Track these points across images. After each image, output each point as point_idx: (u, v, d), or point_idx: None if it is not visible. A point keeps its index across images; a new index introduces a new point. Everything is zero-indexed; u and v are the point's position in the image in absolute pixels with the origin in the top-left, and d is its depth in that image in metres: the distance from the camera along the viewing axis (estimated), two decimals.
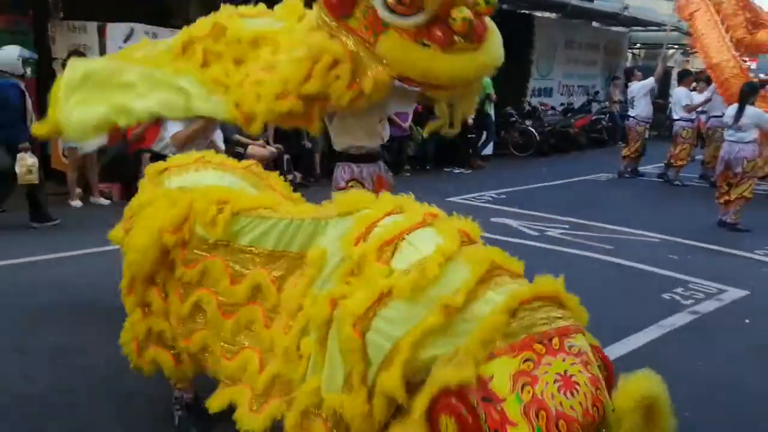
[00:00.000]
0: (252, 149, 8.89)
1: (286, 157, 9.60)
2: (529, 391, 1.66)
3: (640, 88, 11.14)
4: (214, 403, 2.55)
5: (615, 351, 4.03)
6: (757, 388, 3.78)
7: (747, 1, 10.64)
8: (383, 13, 2.67)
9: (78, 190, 7.99)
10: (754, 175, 7.88)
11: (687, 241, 7.15)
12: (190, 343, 2.71)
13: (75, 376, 3.57)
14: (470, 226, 2.14)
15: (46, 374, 3.59)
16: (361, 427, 1.95)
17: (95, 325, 4.17)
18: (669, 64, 11.56)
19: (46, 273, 5.32)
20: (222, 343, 2.60)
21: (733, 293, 5.43)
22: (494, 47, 2.84)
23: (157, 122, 4.56)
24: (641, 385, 1.69)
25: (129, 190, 8.25)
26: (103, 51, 8.56)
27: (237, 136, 8.94)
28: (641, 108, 11.08)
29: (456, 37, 2.68)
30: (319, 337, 2.09)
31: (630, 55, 21.69)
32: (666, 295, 5.29)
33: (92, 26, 8.56)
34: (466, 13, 2.62)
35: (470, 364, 1.71)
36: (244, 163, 3.11)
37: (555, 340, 1.75)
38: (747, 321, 4.83)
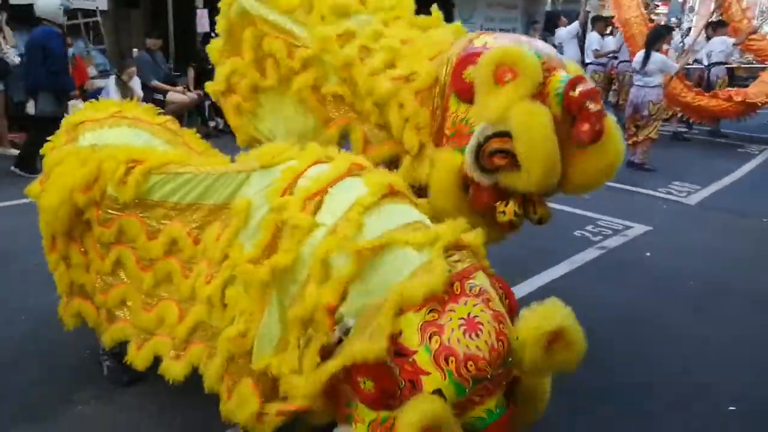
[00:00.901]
0: (171, 96, 8.70)
1: (207, 103, 9.41)
2: (437, 341, 1.81)
3: (567, 33, 11.34)
4: (138, 360, 2.65)
5: (527, 287, 4.29)
6: (654, 313, 4.13)
7: None
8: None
9: None
10: (659, 117, 8.28)
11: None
12: (107, 297, 2.78)
13: None
14: (395, 178, 2.27)
15: None
16: (290, 386, 2.08)
17: (12, 280, 4.12)
18: (585, 8, 11.74)
19: None
20: (142, 296, 2.68)
21: (638, 229, 5.81)
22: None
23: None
24: (541, 316, 1.86)
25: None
26: None
27: (155, 82, 8.71)
28: (571, 53, 11.25)
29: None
30: (255, 297, 2.21)
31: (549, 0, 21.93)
32: (577, 233, 5.60)
33: None
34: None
35: (383, 337, 1.83)
36: (160, 118, 3.09)
37: (456, 285, 1.90)
38: (648, 254, 5.19)
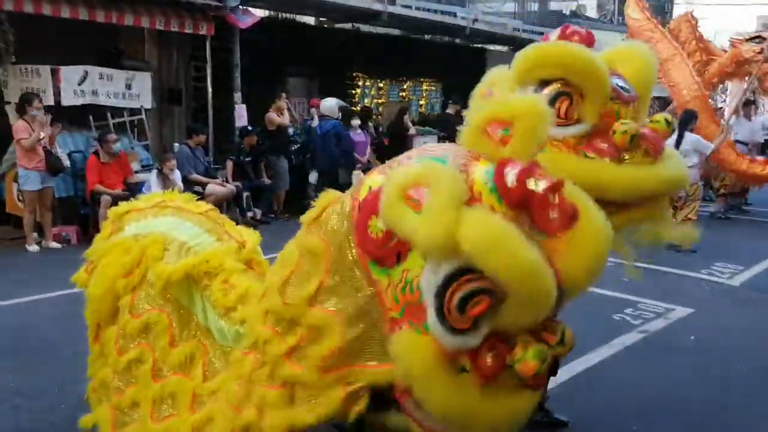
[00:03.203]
0: (210, 188, 8.96)
1: (245, 194, 9.67)
2: None
3: None
4: None
5: (566, 374, 4.17)
6: (700, 401, 3.96)
7: (703, 39, 11.09)
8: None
9: (34, 235, 7.91)
10: (697, 197, 8.22)
11: (638, 264, 7.39)
12: (122, 397, 2.72)
13: (36, 419, 3.56)
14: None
15: (8, 419, 3.56)
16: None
17: (56, 367, 4.17)
18: None
19: (2, 319, 5.25)
20: (150, 403, 2.64)
21: (680, 312, 5.66)
22: (676, 164, 2.41)
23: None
24: None
25: (87, 233, 8.24)
26: (57, 94, 8.56)
27: (195, 175, 9.00)
28: None
29: (624, 153, 2.28)
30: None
31: None
32: (617, 316, 5.48)
33: (45, 70, 8.54)
34: (630, 126, 2.24)
35: None
36: (202, 207, 3.14)
37: None
38: (692, 338, 5.05)
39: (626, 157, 2.25)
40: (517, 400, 1.94)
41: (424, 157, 2.13)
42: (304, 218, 2.24)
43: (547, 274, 1.83)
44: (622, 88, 2.36)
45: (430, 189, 1.82)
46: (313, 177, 9.86)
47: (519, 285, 1.77)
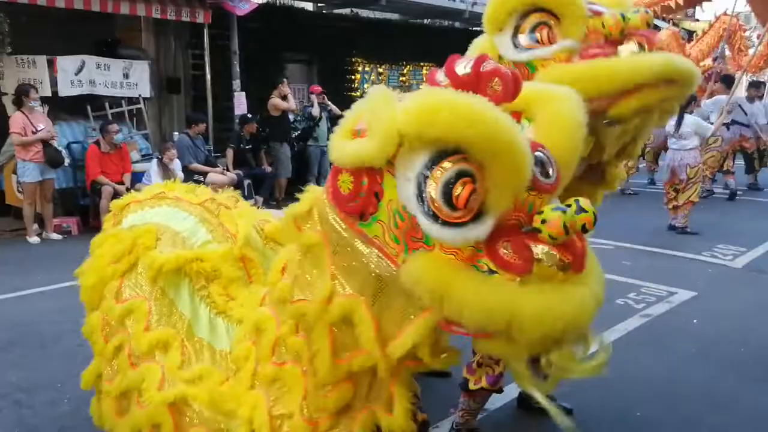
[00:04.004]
0: (211, 176, 8.94)
1: (246, 182, 9.65)
2: None
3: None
4: None
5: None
6: (703, 384, 3.96)
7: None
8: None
9: (35, 226, 7.90)
10: (698, 180, 8.18)
11: (639, 247, 7.40)
12: (112, 385, 2.61)
13: (38, 414, 3.56)
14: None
15: (10, 413, 3.57)
16: None
17: (57, 361, 4.18)
18: None
19: (3, 312, 5.27)
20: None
21: (682, 295, 5.65)
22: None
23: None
24: None
25: (87, 224, 8.24)
26: (54, 85, 8.53)
27: (195, 164, 8.98)
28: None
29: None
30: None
31: None
32: (620, 300, 5.47)
33: (41, 60, 8.52)
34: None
35: None
36: (201, 197, 3.07)
37: None
38: (695, 321, 5.03)
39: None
40: (568, 290, 1.62)
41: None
42: (290, 212, 2.12)
43: (505, 120, 1.57)
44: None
45: (367, 112, 1.72)
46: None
47: (485, 141, 1.53)
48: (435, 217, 1.61)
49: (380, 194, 1.74)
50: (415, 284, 1.66)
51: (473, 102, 1.56)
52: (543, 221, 1.58)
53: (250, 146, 9.99)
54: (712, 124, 8.39)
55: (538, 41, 2.35)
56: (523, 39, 2.39)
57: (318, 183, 10.86)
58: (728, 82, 10.56)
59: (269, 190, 10.25)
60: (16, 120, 7.55)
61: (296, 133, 10.91)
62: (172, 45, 10.57)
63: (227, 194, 3.15)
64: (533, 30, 2.37)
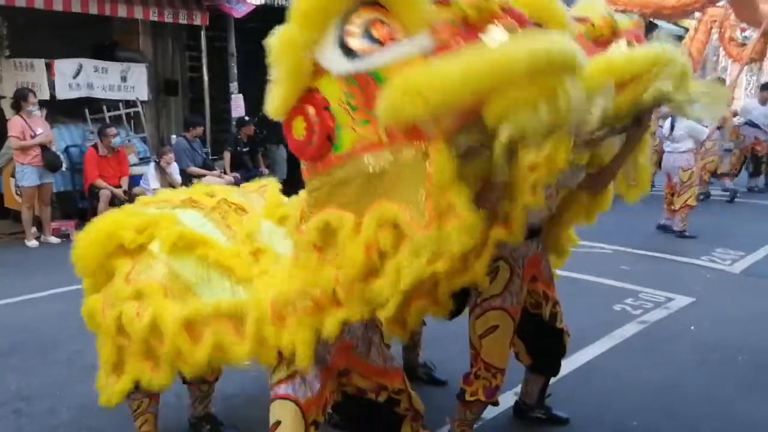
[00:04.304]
0: (209, 179, 8.93)
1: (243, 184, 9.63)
2: None
3: None
4: None
5: (567, 366, 4.17)
6: (700, 392, 3.96)
7: None
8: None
9: (33, 230, 7.90)
10: (692, 183, 8.21)
11: (637, 251, 7.41)
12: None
13: (38, 422, 3.56)
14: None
15: (9, 422, 3.57)
16: None
17: (56, 370, 4.18)
18: None
19: (1, 317, 5.25)
20: None
21: (680, 301, 5.66)
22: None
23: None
24: None
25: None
26: (52, 88, 8.52)
27: (193, 168, 8.98)
28: None
29: None
30: None
31: None
32: (617, 306, 5.48)
33: (39, 63, 8.51)
34: None
35: None
36: (214, 200, 2.92)
37: None
38: (692, 328, 5.04)
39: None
40: (524, 37, 1.66)
41: None
42: (291, 224, 2.13)
43: None
44: None
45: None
46: None
47: None
48: (372, 54, 1.70)
49: (327, 105, 1.80)
50: (406, 105, 1.59)
51: None
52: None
53: (248, 148, 9.99)
54: (706, 127, 8.39)
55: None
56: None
57: None
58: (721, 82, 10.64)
59: None
60: (15, 124, 7.55)
61: None
62: (170, 47, 10.57)
63: (258, 185, 3.06)
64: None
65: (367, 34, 1.73)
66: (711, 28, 11.99)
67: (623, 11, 9.28)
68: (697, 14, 11.45)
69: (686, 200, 8.09)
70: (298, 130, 1.85)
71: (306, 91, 1.83)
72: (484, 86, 1.53)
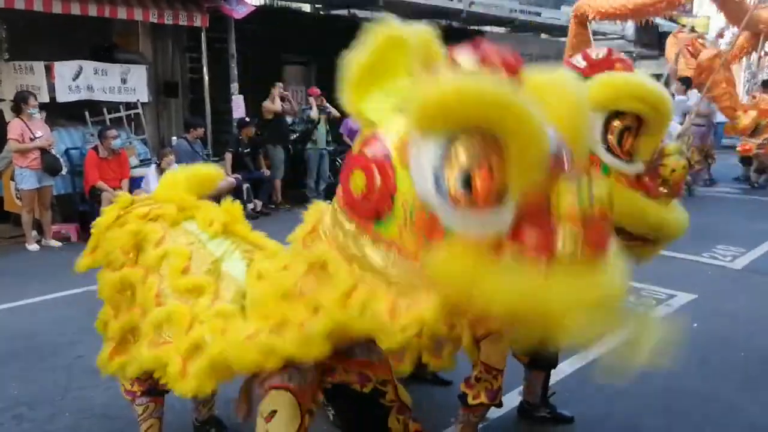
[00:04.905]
0: None
1: (245, 186, 9.64)
2: None
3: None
4: None
5: (569, 366, 4.17)
6: (703, 390, 3.96)
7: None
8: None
9: (34, 233, 7.89)
10: None
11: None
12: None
13: (40, 427, 3.56)
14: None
15: (11, 428, 3.57)
16: None
17: (57, 375, 4.17)
18: None
19: (2, 322, 5.24)
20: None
21: (682, 298, 5.65)
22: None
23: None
24: None
25: (86, 231, 8.22)
26: (51, 91, 8.51)
27: None
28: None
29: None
30: None
31: None
32: (621, 298, 5.45)
33: (39, 66, 8.49)
34: (681, 162, 2.57)
35: None
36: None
37: None
38: (695, 325, 5.02)
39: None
40: (592, 275, 1.54)
41: None
42: (295, 236, 2.11)
43: (518, 95, 1.54)
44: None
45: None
46: None
47: (501, 115, 1.48)
48: (456, 208, 1.55)
49: (394, 192, 1.69)
50: (440, 279, 1.59)
51: (483, 81, 1.51)
52: (564, 202, 1.53)
53: (249, 150, 9.98)
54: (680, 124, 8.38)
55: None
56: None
57: (317, 186, 10.88)
58: (687, 82, 10.66)
59: (268, 193, 10.24)
60: (14, 127, 7.54)
61: (294, 136, 10.90)
62: (170, 49, 10.57)
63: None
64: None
65: (466, 181, 1.55)
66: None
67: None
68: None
69: None
70: (358, 184, 1.75)
71: (384, 156, 1.71)
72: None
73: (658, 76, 11.22)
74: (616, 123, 2.39)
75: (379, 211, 1.72)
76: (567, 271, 1.51)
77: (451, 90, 1.50)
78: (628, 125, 2.40)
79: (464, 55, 1.67)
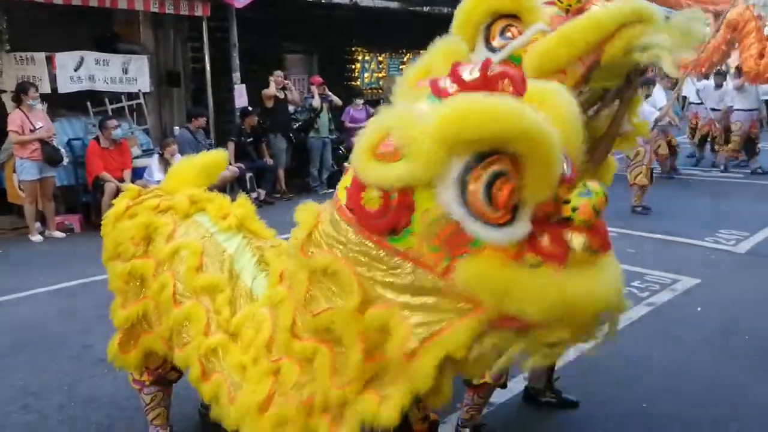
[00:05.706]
0: None
1: (248, 175, 9.64)
2: None
3: None
4: None
5: (573, 351, 4.17)
6: (708, 374, 3.97)
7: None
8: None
9: (37, 224, 7.91)
10: (640, 162, 8.32)
11: (642, 234, 7.38)
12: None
13: (48, 417, 3.58)
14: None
15: (19, 417, 3.59)
16: None
17: (63, 365, 4.19)
18: None
19: (8, 314, 5.27)
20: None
21: (686, 282, 5.65)
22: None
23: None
24: None
25: (89, 221, 8.25)
26: (53, 81, 8.49)
27: None
28: None
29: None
30: None
31: None
32: (624, 289, 5.45)
33: (40, 57, 8.47)
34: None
35: None
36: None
37: None
38: (699, 309, 5.03)
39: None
40: (600, 269, 1.67)
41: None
42: (293, 243, 2.09)
43: (534, 114, 1.61)
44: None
45: (392, 131, 1.69)
46: None
47: (521, 136, 1.56)
48: (481, 220, 1.62)
49: (411, 207, 1.72)
50: (474, 288, 1.67)
51: (502, 101, 1.59)
52: (574, 209, 1.63)
53: (251, 139, 9.97)
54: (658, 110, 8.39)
55: (510, 38, 2.44)
56: (497, 42, 2.48)
57: (319, 174, 10.87)
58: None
59: (271, 182, 10.24)
60: (14, 118, 7.53)
61: (297, 125, 10.88)
62: (171, 38, 10.52)
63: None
64: (502, 33, 2.49)
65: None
66: None
67: None
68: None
69: (634, 178, 8.32)
70: (372, 200, 1.76)
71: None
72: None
73: None
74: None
75: (396, 227, 1.75)
76: (581, 272, 1.64)
77: (471, 110, 1.57)
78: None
79: (470, 73, 1.74)
